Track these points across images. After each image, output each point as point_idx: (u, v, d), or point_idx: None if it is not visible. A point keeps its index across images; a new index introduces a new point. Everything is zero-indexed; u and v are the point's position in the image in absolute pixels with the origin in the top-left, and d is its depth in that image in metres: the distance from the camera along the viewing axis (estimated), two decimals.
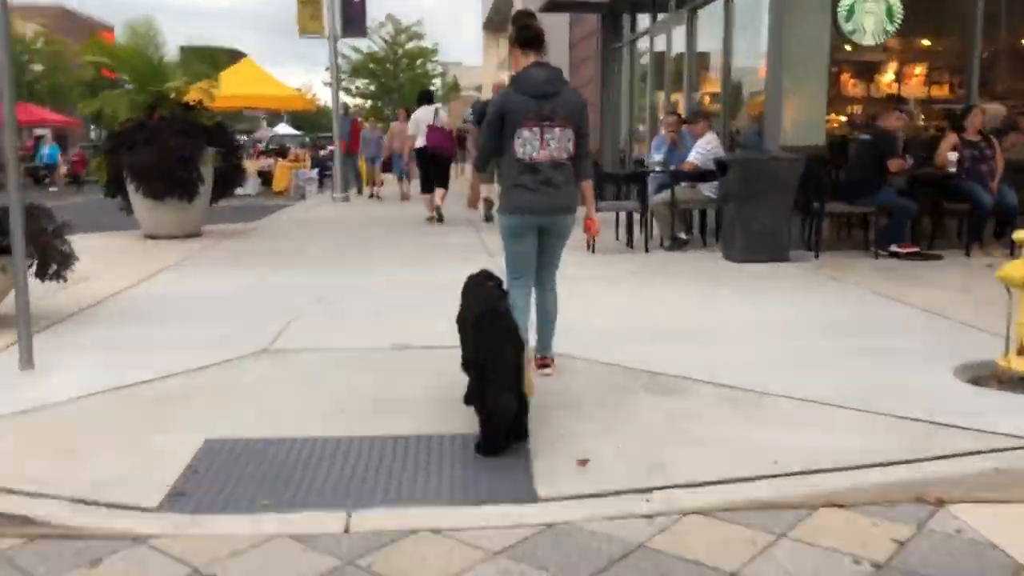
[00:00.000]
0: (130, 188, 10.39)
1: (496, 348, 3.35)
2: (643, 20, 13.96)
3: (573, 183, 4.18)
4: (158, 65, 10.49)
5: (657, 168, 9.36)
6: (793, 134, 8.52)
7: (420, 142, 11.99)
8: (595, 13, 15.72)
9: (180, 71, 10.58)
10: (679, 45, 11.90)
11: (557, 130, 4.04)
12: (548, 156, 4.04)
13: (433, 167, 11.84)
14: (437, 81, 48.35)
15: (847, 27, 8.78)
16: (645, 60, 13.66)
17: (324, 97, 44.04)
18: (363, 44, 42.25)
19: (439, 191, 11.81)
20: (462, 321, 3.73)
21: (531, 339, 4.15)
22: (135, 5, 19.72)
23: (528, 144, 4.02)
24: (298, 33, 17.45)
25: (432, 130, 11.74)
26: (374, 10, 45.38)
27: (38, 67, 35.67)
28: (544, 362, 4.32)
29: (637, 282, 7.16)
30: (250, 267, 8.30)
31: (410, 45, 43.70)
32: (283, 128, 60.05)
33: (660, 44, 12.80)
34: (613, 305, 6.22)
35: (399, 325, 5.51)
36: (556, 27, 19.00)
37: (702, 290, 6.73)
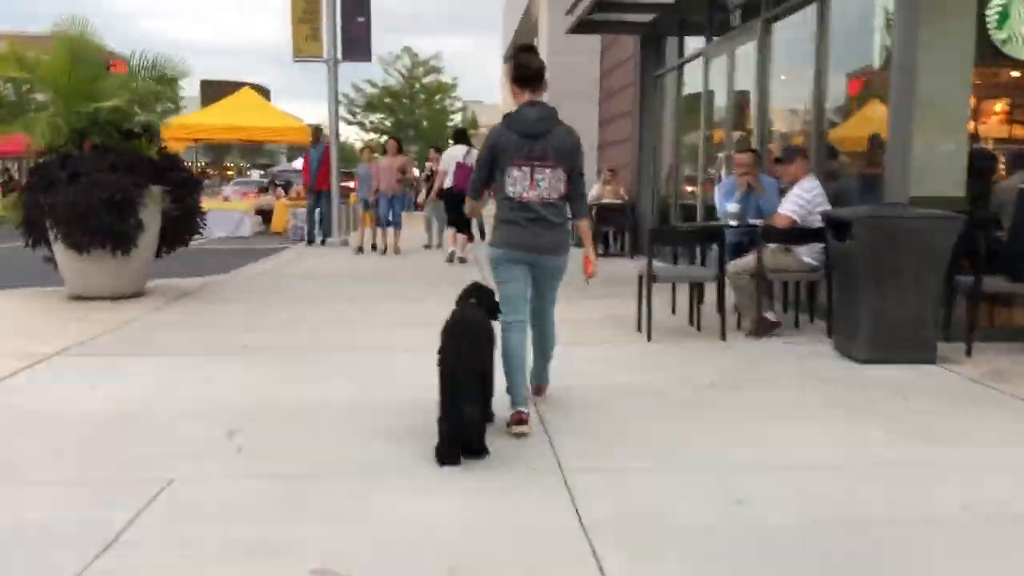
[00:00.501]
0: (52, 236, 8.17)
1: (464, 359, 3.53)
2: (694, 42, 11.71)
3: (565, 223, 4.16)
4: (92, 80, 8.26)
5: (733, 222, 7.02)
6: (924, 182, 6.17)
7: (448, 182, 11.93)
8: (634, 34, 13.51)
9: (124, 90, 8.31)
10: (746, 67, 9.61)
11: (548, 170, 4.04)
12: (538, 196, 4.04)
13: (459, 207, 10.98)
14: (456, 117, 46.51)
15: (999, 35, 6.46)
16: (697, 87, 11.37)
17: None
18: (378, 77, 40.69)
19: (462, 238, 11.91)
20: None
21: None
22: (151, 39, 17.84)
23: (518, 183, 4.02)
24: (293, 55, 15.36)
25: (460, 168, 11.56)
26: (392, 44, 43.66)
27: None
28: (538, 392, 4.43)
29: (725, 406, 4.66)
30: (175, 353, 5.99)
31: (428, 79, 41.92)
32: (300, 163, 58.60)
33: (719, 68, 10.53)
34: (690, 466, 3.71)
35: (360, 510, 3.16)
36: (585, 52, 16.87)
37: (836, 430, 4.20)
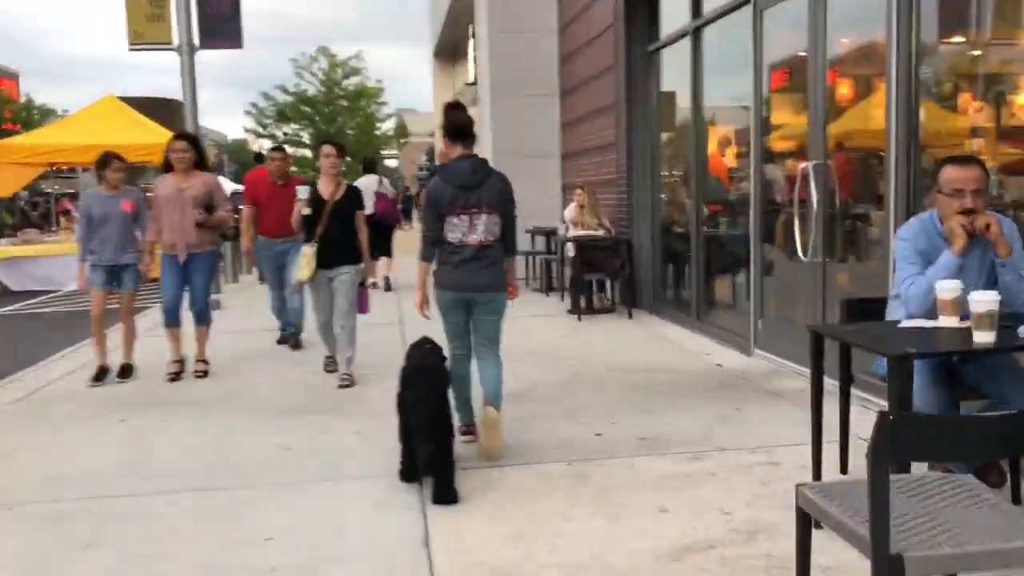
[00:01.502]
0: None
1: (421, 402, 3.82)
2: None
3: (500, 263, 4.49)
4: None
5: (949, 320, 2.90)
6: None
7: (368, 209, 10.06)
8: None
9: None
10: (851, 8, 5.52)
11: (484, 216, 4.38)
12: (476, 240, 4.38)
13: (380, 235, 11.13)
14: (385, 125, 41.74)
15: None
16: (736, 53, 7.23)
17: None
18: (289, 82, 35.75)
19: (384, 260, 11.90)
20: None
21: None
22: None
23: (457, 229, 4.36)
24: (129, 42, 10.83)
25: (380, 198, 11.50)
26: (308, 46, 38.06)
27: None
28: (468, 430, 4.59)
29: None
30: None
31: (349, 82, 37.19)
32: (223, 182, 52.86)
33: (784, 17, 6.44)
34: None
35: None
36: (538, 29, 12.70)
37: None
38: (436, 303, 4.46)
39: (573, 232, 9.68)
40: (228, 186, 38.55)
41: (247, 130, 37.19)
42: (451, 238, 4.35)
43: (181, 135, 6.89)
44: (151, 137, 16.92)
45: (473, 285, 4.37)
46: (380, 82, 37.70)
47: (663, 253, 9.30)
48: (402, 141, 40.88)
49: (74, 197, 45.00)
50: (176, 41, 10.75)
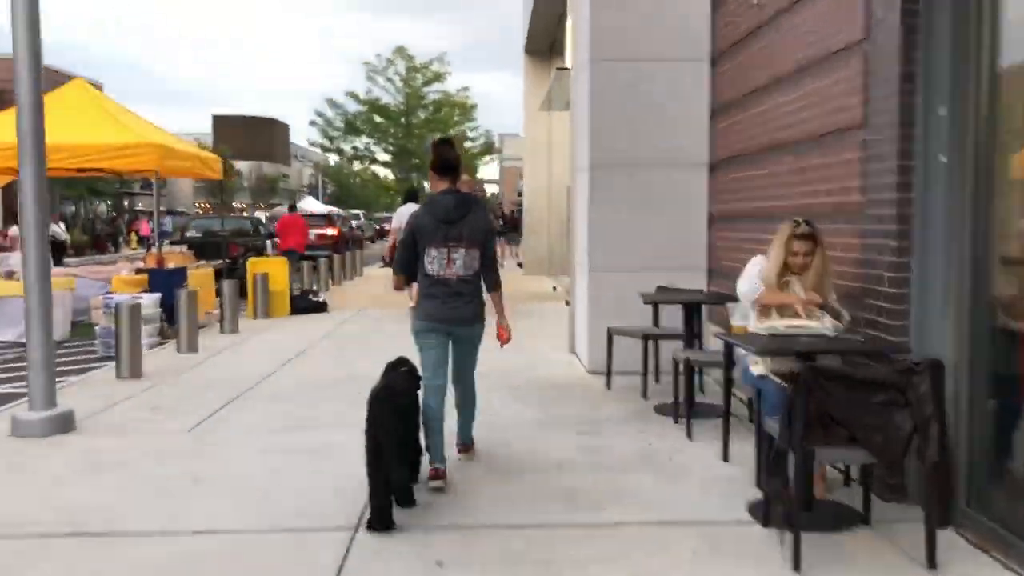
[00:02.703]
0: None
1: (389, 425, 3.87)
2: None
3: (479, 296, 4.65)
4: None
5: None
6: None
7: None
8: None
9: None
10: None
11: (463, 250, 4.52)
12: (455, 273, 4.52)
13: None
14: (476, 144, 36.41)
15: None
16: None
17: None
18: (360, 87, 30.95)
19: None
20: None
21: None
22: None
23: (436, 262, 4.51)
24: None
25: None
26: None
27: None
28: (466, 448, 4.97)
29: None
30: None
31: (431, 90, 32.02)
32: (310, 202, 48.07)
33: None
34: None
35: None
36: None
37: None
38: (414, 334, 4.64)
39: (761, 322, 4.34)
40: (314, 207, 34.06)
41: (311, 143, 32.79)
42: (429, 270, 4.53)
43: None
44: (127, 136, 12.31)
45: (454, 318, 4.54)
46: (466, 90, 32.43)
47: (1000, 385, 3.77)
48: (488, 158, 35.56)
49: (148, 216, 41.94)
50: None
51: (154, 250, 12.59)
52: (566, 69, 12.32)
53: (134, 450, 5.17)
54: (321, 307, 12.53)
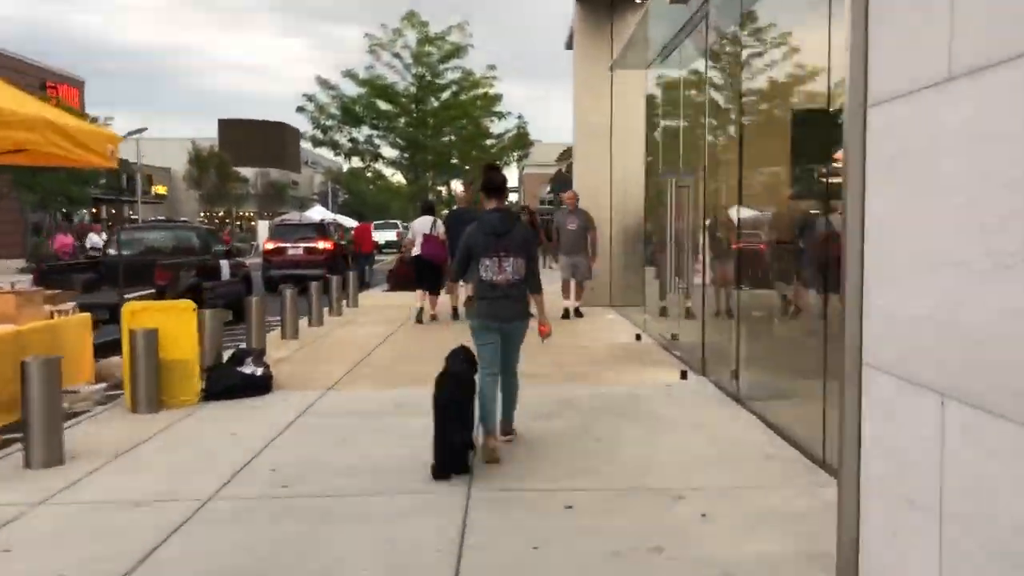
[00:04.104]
0: None
1: (453, 400, 4.93)
2: None
3: (525, 297, 5.54)
4: None
5: None
6: None
7: (416, 251, 12.32)
8: None
9: None
10: None
11: (512, 259, 5.41)
12: (505, 279, 5.40)
13: (427, 273, 12.14)
14: (501, 138, 29.43)
15: None
16: None
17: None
18: (358, 66, 24.41)
19: (431, 297, 12.45)
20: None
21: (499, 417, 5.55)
22: None
23: (489, 270, 5.40)
24: None
25: (428, 240, 12.04)
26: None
27: None
28: (507, 432, 5.66)
29: None
30: None
31: (448, 68, 24.73)
32: (317, 211, 42.48)
33: None
34: None
35: None
36: None
37: None
38: (472, 331, 5.53)
39: None
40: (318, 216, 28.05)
41: (303, 136, 26.54)
42: (484, 277, 5.42)
43: None
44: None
45: (505, 316, 5.42)
46: (493, 68, 25.53)
47: None
48: (518, 153, 28.75)
49: (75, 229, 37.22)
50: None
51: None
52: None
53: None
54: (259, 386, 7.10)
